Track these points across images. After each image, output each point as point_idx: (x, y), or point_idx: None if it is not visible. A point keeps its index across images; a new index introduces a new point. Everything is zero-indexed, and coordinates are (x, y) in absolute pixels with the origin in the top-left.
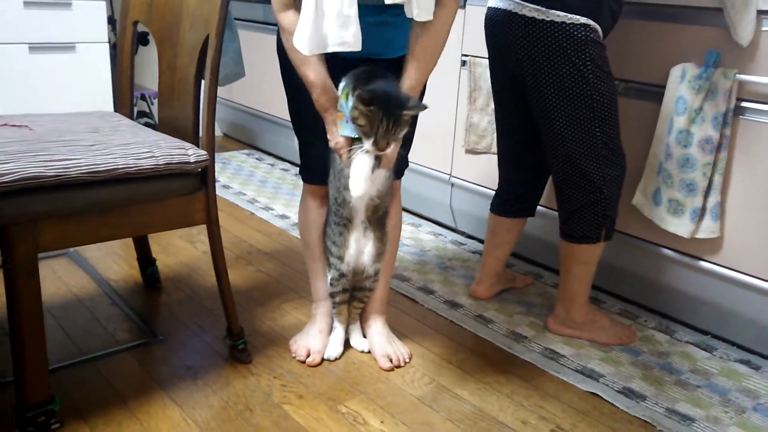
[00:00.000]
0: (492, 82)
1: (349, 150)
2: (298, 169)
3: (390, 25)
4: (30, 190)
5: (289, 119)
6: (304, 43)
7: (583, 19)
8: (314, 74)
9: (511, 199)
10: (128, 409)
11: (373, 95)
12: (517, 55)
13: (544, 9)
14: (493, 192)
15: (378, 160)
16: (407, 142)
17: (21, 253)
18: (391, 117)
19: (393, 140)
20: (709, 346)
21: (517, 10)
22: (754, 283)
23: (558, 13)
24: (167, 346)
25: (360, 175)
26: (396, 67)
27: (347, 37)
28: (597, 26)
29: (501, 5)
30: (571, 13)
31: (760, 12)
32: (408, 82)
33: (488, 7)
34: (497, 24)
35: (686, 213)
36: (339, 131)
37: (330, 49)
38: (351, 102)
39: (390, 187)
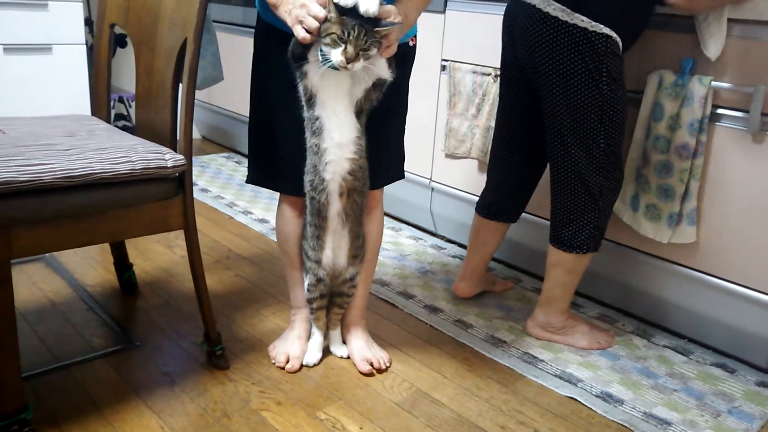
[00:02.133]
0: (501, 80)
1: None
2: (248, 176)
3: None
4: (3, 195)
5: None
6: None
7: (606, 30)
8: None
9: (498, 202)
10: (104, 417)
11: (348, 6)
12: (532, 52)
13: (569, 11)
14: (474, 196)
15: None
16: (397, 153)
17: None
18: (362, 28)
19: (363, 54)
20: (685, 350)
21: (541, 5)
22: (729, 287)
23: (583, 18)
24: (144, 353)
25: None
26: None
27: None
28: (618, 39)
29: None
30: (596, 21)
31: (731, 20)
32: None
33: (508, 4)
34: (517, 16)
35: (663, 218)
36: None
37: None
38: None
39: (365, 163)
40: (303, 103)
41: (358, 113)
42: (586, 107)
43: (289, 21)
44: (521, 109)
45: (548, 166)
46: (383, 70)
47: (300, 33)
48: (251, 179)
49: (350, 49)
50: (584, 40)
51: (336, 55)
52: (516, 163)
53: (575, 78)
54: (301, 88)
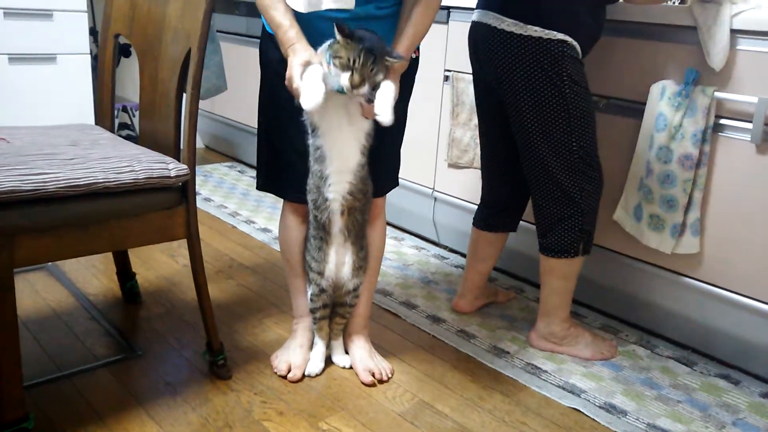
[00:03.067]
0: (475, 97)
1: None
2: (257, 182)
3: (377, 20)
4: (6, 204)
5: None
6: (300, 1)
7: (560, 35)
8: (281, 14)
9: (494, 213)
10: (106, 426)
11: (353, 30)
12: (495, 68)
13: (522, 24)
14: (476, 206)
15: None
16: (394, 161)
17: None
18: (370, 54)
19: (369, 80)
20: (689, 361)
21: (496, 24)
22: (733, 298)
23: (535, 28)
24: (146, 362)
25: (312, 82)
26: None
27: None
28: (575, 42)
29: (482, 19)
30: (549, 29)
31: (734, 31)
32: (402, 42)
33: (471, 22)
34: (478, 38)
35: (667, 228)
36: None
37: (324, 6)
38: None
39: (366, 187)
40: (308, 131)
41: (363, 150)
42: (553, 113)
43: (287, 73)
44: (497, 123)
45: (526, 177)
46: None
47: (291, 91)
48: (259, 185)
49: (356, 76)
50: (540, 49)
51: (344, 79)
52: (503, 174)
53: (538, 86)
54: (306, 119)
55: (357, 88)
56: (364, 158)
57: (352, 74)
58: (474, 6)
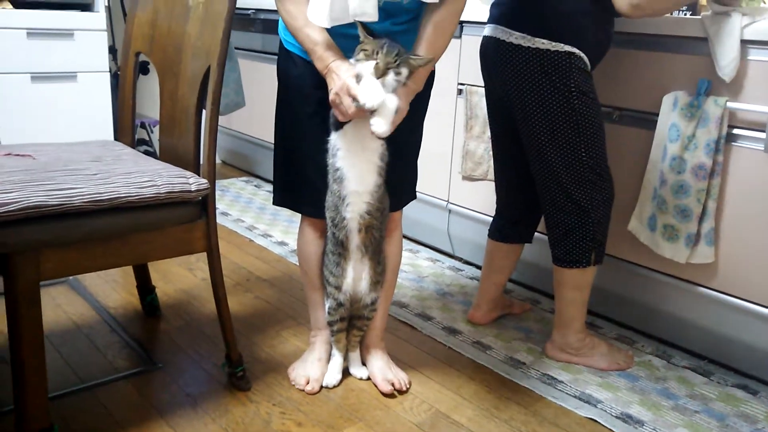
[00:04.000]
0: (487, 109)
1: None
2: (274, 198)
3: (395, 36)
4: (33, 219)
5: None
6: (324, 15)
7: (568, 47)
8: (317, 32)
9: (508, 224)
10: None
11: (376, 32)
12: (504, 81)
13: (529, 36)
14: (490, 218)
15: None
16: (411, 176)
17: (23, 282)
18: (393, 46)
19: (393, 70)
20: (706, 371)
21: (504, 37)
22: (750, 307)
23: (543, 40)
24: (166, 374)
25: (372, 84)
26: None
27: (368, 8)
28: (582, 54)
29: (492, 33)
30: (556, 41)
31: (746, 41)
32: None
33: (483, 36)
34: (488, 52)
35: (681, 238)
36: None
37: (350, 19)
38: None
39: (382, 205)
40: (329, 150)
41: (380, 172)
42: (562, 124)
43: (330, 95)
44: (509, 135)
45: (537, 188)
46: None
47: (338, 115)
48: (276, 201)
49: (380, 64)
50: (548, 61)
51: (368, 67)
52: (516, 185)
53: (546, 98)
54: (330, 138)
55: (381, 77)
56: (381, 179)
57: (377, 63)
58: (485, 20)
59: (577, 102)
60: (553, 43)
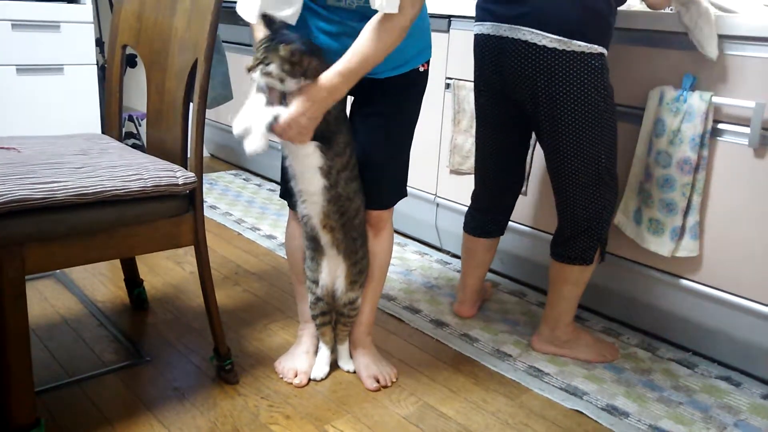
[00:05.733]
0: (482, 105)
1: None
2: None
3: None
4: (17, 213)
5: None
6: (251, 11)
7: (600, 48)
8: (262, 34)
9: (490, 219)
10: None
11: (281, 27)
12: (532, 84)
13: (566, 39)
14: None
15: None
16: (400, 174)
17: (8, 276)
18: (276, 42)
19: (261, 65)
20: (690, 363)
21: (536, 40)
22: (733, 300)
23: (579, 43)
24: (154, 368)
25: (244, 110)
26: (384, 88)
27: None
28: (606, 53)
29: (511, 35)
30: (590, 43)
31: (732, 37)
32: (340, 61)
33: (485, 35)
34: (505, 53)
35: (666, 232)
36: None
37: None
38: None
39: (343, 208)
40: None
41: (326, 173)
42: (588, 127)
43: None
44: (512, 132)
45: (552, 187)
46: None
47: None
48: (280, 194)
49: (252, 59)
50: (583, 64)
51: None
52: (504, 181)
53: (577, 100)
54: None
55: (251, 71)
56: (329, 181)
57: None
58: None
59: (604, 104)
60: (589, 46)
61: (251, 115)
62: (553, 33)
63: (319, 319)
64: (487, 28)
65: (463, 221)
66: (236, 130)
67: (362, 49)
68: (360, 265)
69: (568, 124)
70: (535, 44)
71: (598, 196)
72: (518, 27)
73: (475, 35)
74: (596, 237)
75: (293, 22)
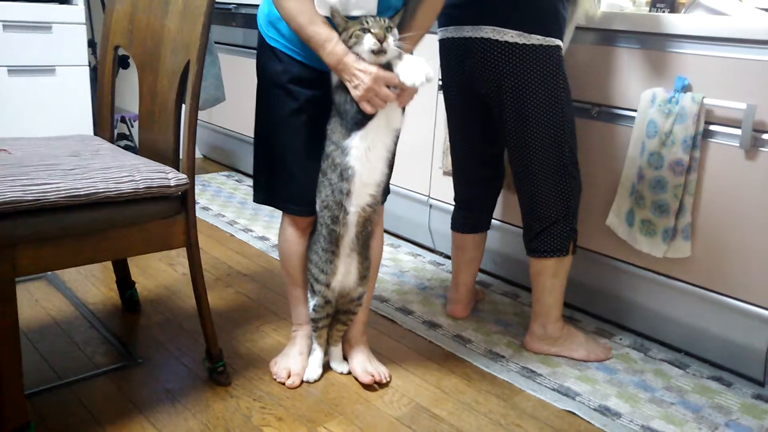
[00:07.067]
0: (452, 103)
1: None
2: (256, 195)
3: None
4: (8, 214)
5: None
6: (324, 7)
7: (557, 41)
8: (326, 29)
9: (475, 215)
10: None
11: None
12: (497, 79)
13: (526, 34)
14: None
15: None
16: (391, 170)
17: None
18: (378, 17)
19: (390, 33)
20: (682, 364)
21: (497, 36)
22: (725, 301)
23: (538, 37)
24: (146, 369)
25: (412, 62)
26: None
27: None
28: (562, 46)
29: (471, 34)
30: (547, 36)
31: (722, 39)
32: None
33: (450, 38)
34: (470, 52)
35: (658, 233)
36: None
37: (351, 12)
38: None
39: (380, 197)
40: (337, 147)
41: (389, 162)
42: (552, 119)
43: (353, 90)
44: (479, 129)
45: (517, 184)
46: (398, 119)
47: (367, 108)
48: (257, 199)
49: (377, 31)
50: (542, 56)
51: (368, 42)
52: (484, 175)
53: (539, 92)
54: (344, 143)
55: (384, 41)
56: (389, 170)
57: (374, 32)
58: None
59: (563, 94)
60: (547, 38)
61: (419, 64)
62: (513, 29)
63: (323, 322)
64: (450, 31)
65: None
66: (420, 79)
67: (426, 24)
68: (368, 259)
69: (533, 113)
70: (497, 40)
71: (565, 185)
72: (480, 26)
73: (440, 40)
74: (568, 227)
75: (374, 10)
